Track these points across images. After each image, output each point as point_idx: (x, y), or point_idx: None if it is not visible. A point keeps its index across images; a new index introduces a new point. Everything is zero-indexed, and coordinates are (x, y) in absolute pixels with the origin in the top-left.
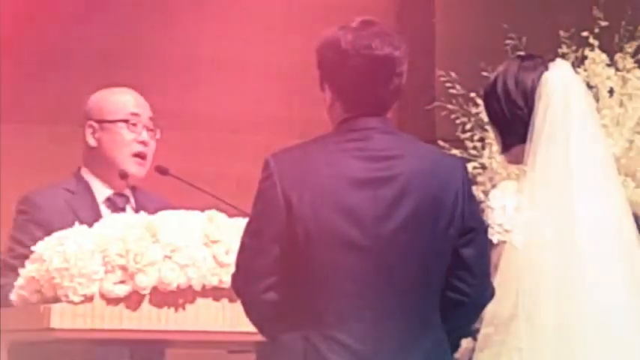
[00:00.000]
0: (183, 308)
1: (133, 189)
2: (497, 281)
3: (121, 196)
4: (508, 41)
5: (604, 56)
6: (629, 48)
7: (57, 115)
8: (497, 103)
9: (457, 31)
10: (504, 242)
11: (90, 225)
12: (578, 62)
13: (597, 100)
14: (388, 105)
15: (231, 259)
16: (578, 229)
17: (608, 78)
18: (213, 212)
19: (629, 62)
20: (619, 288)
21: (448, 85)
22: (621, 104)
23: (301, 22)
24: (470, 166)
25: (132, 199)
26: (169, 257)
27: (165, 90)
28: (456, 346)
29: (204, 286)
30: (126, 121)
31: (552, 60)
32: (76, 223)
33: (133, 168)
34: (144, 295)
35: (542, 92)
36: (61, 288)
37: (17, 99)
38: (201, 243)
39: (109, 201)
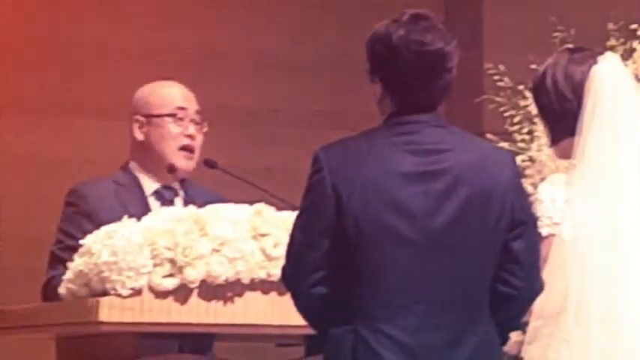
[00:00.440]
0: (232, 301)
1: (183, 182)
2: (547, 274)
3: (170, 189)
4: (556, 34)
5: None
6: None
7: None
8: (547, 95)
9: (505, 23)
10: (554, 235)
11: (138, 217)
12: (627, 55)
13: None
14: (438, 100)
15: (280, 252)
16: (627, 222)
17: None
18: (261, 205)
19: None
20: None
21: (496, 78)
22: None
23: None
24: (518, 159)
25: (181, 192)
26: (218, 251)
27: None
28: (505, 340)
29: (252, 280)
30: (173, 115)
31: (601, 53)
32: (125, 217)
33: (181, 162)
34: (192, 289)
35: (592, 86)
36: (110, 281)
37: None
38: (250, 236)
39: (157, 194)
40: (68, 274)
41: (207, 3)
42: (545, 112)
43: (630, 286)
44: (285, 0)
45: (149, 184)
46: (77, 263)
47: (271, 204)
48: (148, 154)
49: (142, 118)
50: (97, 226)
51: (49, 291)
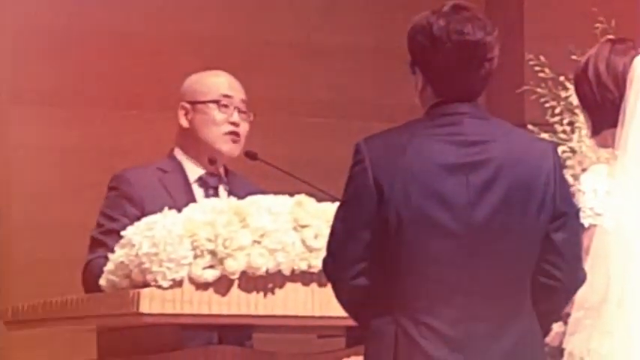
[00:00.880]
0: (273, 293)
1: (227, 172)
2: (589, 265)
3: (214, 176)
4: (597, 25)
5: None
6: None
7: None
8: (588, 86)
9: (546, 14)
10: (595, 226)
11: (181, 204)
12: None
13: None
14: (479, 90)
15: (320, 243)
16: None
17: None
18: (302, 197)
19: None
20: None
21: (537, 68)
22: None
23: None
24: (559, 150)
25: (225, 180)
26: (258, 242)
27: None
28: (547, 331)
29: (293, 271)
30: (217, 101)
31: None
32: (168, 204)
33: (226, 146)
34: (233, 280)
35: (634, 77)
36: (150, 273)
37: None
38: (290, 227)
39: (200, 180)
40: (109, 266)
41: None
42: (586, 103)
43: None
44: None
45: (194, 171)
46: (118, 255)
47: (312, 195)
48: (192, 141)
49: (187, 105)
50: (140, 211)
51: (87, 274)
